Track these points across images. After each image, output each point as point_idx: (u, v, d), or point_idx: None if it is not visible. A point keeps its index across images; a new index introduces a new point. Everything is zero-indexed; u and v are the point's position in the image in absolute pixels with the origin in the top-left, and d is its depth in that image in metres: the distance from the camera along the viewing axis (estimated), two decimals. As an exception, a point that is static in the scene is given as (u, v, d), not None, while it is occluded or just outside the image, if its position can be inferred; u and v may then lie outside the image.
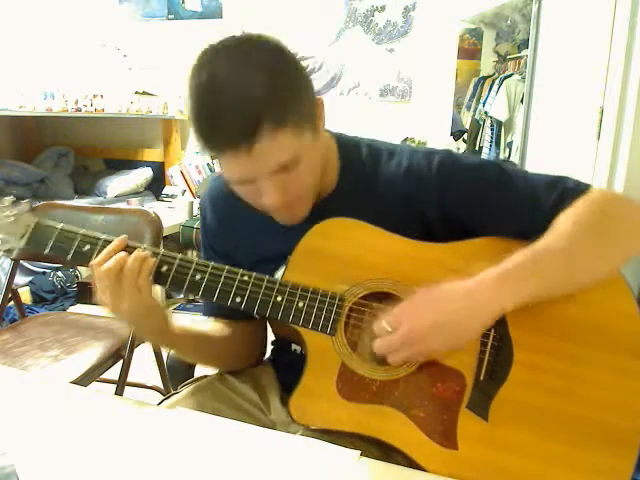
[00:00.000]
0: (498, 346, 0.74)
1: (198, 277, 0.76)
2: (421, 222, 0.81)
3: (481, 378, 0.74)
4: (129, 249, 0.75)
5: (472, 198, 0.80)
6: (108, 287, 0.73)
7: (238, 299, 0.76)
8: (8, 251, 0.78)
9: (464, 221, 0.80)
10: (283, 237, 0.82)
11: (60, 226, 0.78)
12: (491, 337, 0.75)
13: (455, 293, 0.71)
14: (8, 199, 0.79)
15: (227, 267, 0.77)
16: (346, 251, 0.78)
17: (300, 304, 0.75)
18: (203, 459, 0.64)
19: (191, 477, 0.62)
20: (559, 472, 0.71)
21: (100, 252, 0.75)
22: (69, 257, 0.77)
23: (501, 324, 0.74)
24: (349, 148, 0.87)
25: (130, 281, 0.72)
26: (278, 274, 0.85)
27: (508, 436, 0.72)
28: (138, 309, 0.74)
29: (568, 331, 0.75)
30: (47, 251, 0.78)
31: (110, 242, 0.76)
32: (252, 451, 0.67)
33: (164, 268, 0.77)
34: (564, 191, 0.77)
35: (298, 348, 0.89)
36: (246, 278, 0.76)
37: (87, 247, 0.77)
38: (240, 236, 0.91)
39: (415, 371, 0.74)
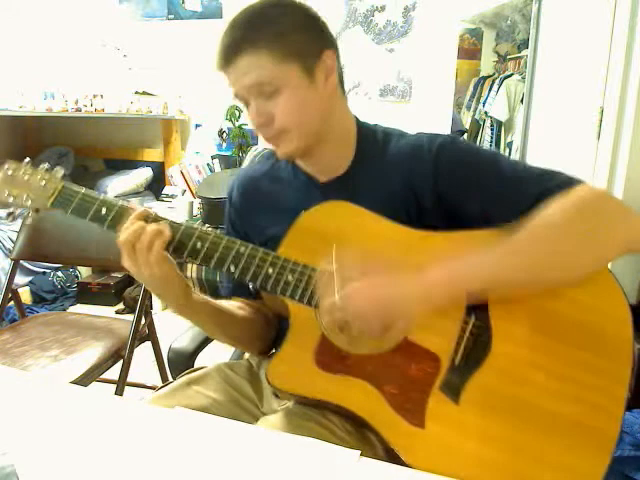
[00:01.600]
0: (477, 333, 0.76)
1: (199, 245, 0.80)
2: (415, 200, 0.84)
3: (456, 362, 0.76)
4: (150, 219, 0.80)
5: (462, 179, 0.82)
6: (127, 256, 0.78)
7: (232, 268, 0.80)
8: (36, 210, 0.85)
9: (453, 202, 0.82)
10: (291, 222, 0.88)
11: (83, 190, 0.86)
12: (471, 323, 0.77)
13: (405, 276, 0.74)
14: (43, 166, 0.87)
15: (227, 238, 0.81)
16: (339, 232, 0.81)
17: (289, 277, 0.79)
18: (203, 459, 0.64)
19: (191, 477, 0.62)
20: (522, 463, 0.71)
21: (115, 216, 0.82)
22: (87, 218, 0.84)
23: (483, 312, 0.76)
24: (367, 131, 0.92)
25: (143, 253, 0.77)
26: None
27: (476, 421, 0.73)
28: (154, 279, 0.78)
29: (550, 327, 0.75)
30: (69, 212, 0.84)
31: (126, 208, 0.82)
32: (252, 451, 0.67)
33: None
34: (552, 185, 0.77)
35: None
36: (242, 249, 0.80)
37: (104, 211, 0.83)
38: (260, 217, 0.96)
39: (392, 350, 0.77)
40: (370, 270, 0.74)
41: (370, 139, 0.91)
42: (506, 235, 0.74)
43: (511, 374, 0.74)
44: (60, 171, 0.88)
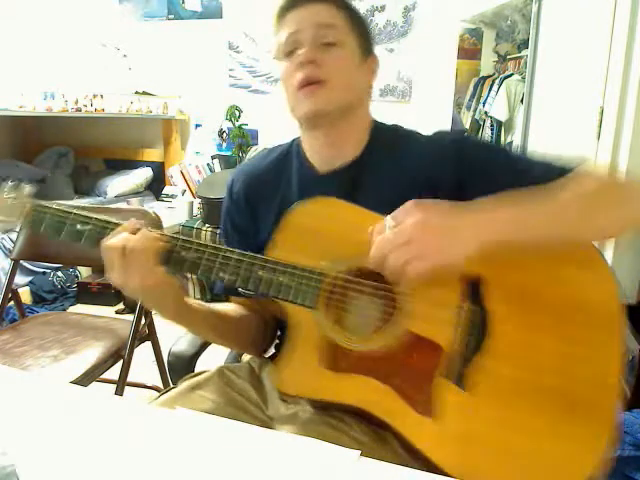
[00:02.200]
0: (474, 318, 0.77)
1: (183, 254, 0.79)
2: (433, 192, 0.82)
3: (457, 348, 0.76)
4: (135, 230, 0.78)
5: (485, 172, 0.84)
6: (114, 267, 0.75)
7: (221, 274, 0.79)
8: (7, 231, 0.84)
9: (472, 194, 0.81)
10: None
11: (54, 206, 0.81)
12: (466, 308, 0.77)
13: (453, 212, 0.74)
14: (10, 184, 0.83)
15: (211, 244, 0.80)
16: (330, 229, 0.81)
17: (282, 279, 0.78)
18: (203, 459, 0.64)
19: (191, 477, 0.62)
20: (525, 438, 0.73)
21: (92, 230, 0.79)
22: (62, 236, 0.80)
23: (479, 297, 0.77)
24: (382, 130, 0.93)
25: (135, 258, 0.74)
26: None
27: (487, 406, 0.74)
28: (146, 287, 0.76)
29: (545, 306, 0.76)
30: (42, 230, 0.81)
31: (102, 221, 0.80)
32: (252, 451, 0.67)
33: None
34: (556, 167, 0.85)
35: None
36: (229, 254, 0.79)
37: (79, 226, 0.80)
38: (262, 214, 0.95)
39: (393, 342, 0.77)
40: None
41: (384, 135, 0.92)
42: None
43: (510, 355, 0.75)
44: (26, 187, 0.84)
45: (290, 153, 0.96)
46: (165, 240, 0.79)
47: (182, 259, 0.79)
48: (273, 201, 0.94)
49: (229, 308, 0.95)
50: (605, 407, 0.74)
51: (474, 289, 0.76)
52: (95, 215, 0.80)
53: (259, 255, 0.80)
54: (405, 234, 0.70)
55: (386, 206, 0.76)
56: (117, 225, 0.79)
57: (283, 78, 0.88)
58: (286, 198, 0.92)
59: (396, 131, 0.94)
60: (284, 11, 0.87)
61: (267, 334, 0.98)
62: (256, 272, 0.79)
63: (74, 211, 0.81)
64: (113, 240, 0.75)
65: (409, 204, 0.73)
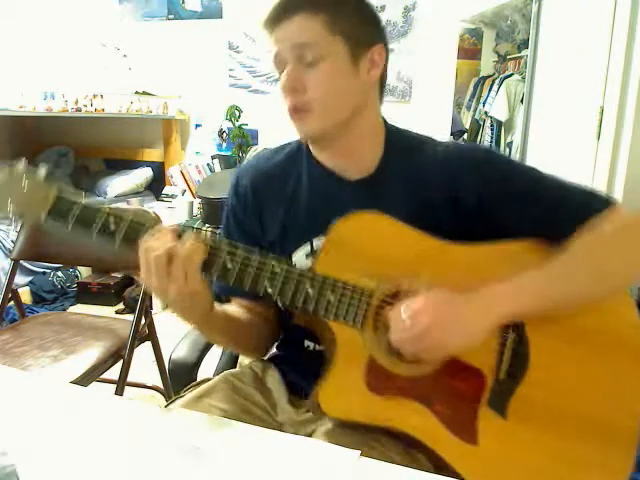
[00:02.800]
0: (517, 347, 0.78)
1: (230, 265, 0.74)
2: (454, 209, 0.83)
3: (500, 377, 0.78)
4: (176, 233, 0.74)
5: (508, 191, 0.83)
6: (155, 273, 0.71)
7: (270, 290, 0.75)
8: (26, 224, 0.71)
9: (496, 213, 0.83)
10: (311, 217, 0.87)
11: (83, 201, 0.73)
12: (510, 337, 0.78)
13: (464, 297, 0.75)
14: (22, 166, 0.72)
15: (258, 257, 0.75)
16: (374, 247, 0.79)
17: (331, 297, 0.76)
18: (203, 459, 0.64)
19: (191, 477, 0.62)
20: (563, 466, 0.76)
21: (128, 232, 0.73)
22: (93, 236, 0.73)
23: (519, 326, 0.78)
24: (396, 134, 0.90)
25: (179, 268, 0.70)
26: (295, 256, 0.88)
27: (525, 433, 0.76)
28: (183, 296, 0.73)
29: (580, 336, 0.79)
30: (69, 228, 0.73)
31: (136, 223, 0.74)
32: (251, 451, 0.67)
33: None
34: (593, 204, 0.80)
35: (311, 345, 0.90)
36: (278, 270, 0.75)
37: (113, 227, 0.73)
38: (269, 213, 0.92)
39: (439, 368, 0.76)
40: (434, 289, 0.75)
41: (400, 142, 0.89)
42: (546, 250, 0.79)
43: (549, 384, 0.78)
44: (43, 170, 0.73)
45: (300, 152, 0.93)
46: (211, 246, 0.74)
47: (226, 269, 0.74)
48: (281, 201, 0.91)
49: (235, 310, 0.92)
50: (633, 436, 0.78)
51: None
52: (130, 215, 0.74)
53: (306, 270, 0.77)
54: (419, 326, 0.72)
55: (405, 221, 0.79)
56: (155, 223, 0.74)
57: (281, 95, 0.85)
58: (297, 199, 0.90)
59: (410, 138, 0.91)
60: (267, 26, 0.82)
61: (269, 336, 0.97)
62: (305, 288, 0.76)
63: (107, 208, 0.73)
64: (157, 244, 0.71)
65: (419, 301, 0.73)
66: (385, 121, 0.91)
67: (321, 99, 0.81)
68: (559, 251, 0.77)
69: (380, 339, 0.77)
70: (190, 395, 0.89)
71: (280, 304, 0.77)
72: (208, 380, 0.94)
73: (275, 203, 0.92)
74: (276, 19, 0.80)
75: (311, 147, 0.91)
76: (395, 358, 0.76)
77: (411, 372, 0.76)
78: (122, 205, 3.36)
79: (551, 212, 0.81)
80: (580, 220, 0.77)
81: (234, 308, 0.93)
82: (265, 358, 1.01)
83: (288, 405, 0.91)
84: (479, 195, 0.82)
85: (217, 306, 0.84)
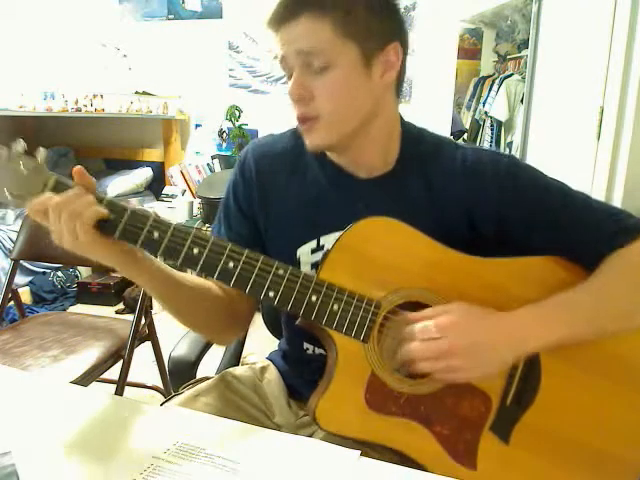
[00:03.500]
0: (527, 371, 0.75)
1: (231, 265, 0.70)
2: (471, 225, 0.80)
3: (508, 402, 0.74)
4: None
5: (530, 212, 0.79)
6: (51, 216, 0.66)
7: (271, 294, 0.71)
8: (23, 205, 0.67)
9: (514, 232, 0.79)
10: (320, 213, 0.83)
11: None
12: (522, 362, 0.75)
13: (494, 320, 0.71)
14: (19, 148, 0.69)
15: (262, 257, 0.71)
16: (386, 255, 0.75)
17: (335, 307, 0.72)
18: (203, 459, 0.64)
19: (191, 477, 0.62)
20: None
21: (130, 221, 0.68)
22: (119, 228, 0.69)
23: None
24: (412, 133, 0.86)
25: (68, 220, 0.65)
26: (301, 250, 0.84)
27: (527, 461, 0.74)
28: (79, 249, 0.67)
29: (596, 364, 0.76)
30: None
31: (138, 213, 0.69)
32: (251, 451, 0.67)
33: (196, 251, 0.70)
34: (625, 226, 0.77)
35: (310, 347, 0.88)
36: (281, 272, 0.71)
37: (107, 212, 0.68)
38: (274, 200, 0.87)
39: (443, 388, 0.73)
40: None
41: (416, 142, 0.85)
42: (568, 268, 0.76)
43: (559, 413, 0.75)
44: (43, 153, 0.70)
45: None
46: (196, 242, 0.69)
47: (229, 272, 0.70)
48: (287, 190, 0.86)
49: (206, 283, 0.83)
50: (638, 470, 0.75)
51: None
52: (131, 207, 0.70)
53: (313, 277, 0.73)
54: (445, 343, 0.68)
55: (420, 227, 0.75)
56: (136, 214, 0.68)
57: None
58: (305, 192, 0.85)
59: (428, 139, 0.86)
60: (271, 26, 0.76)
61: (237, 323, 0.90)
62: (309, 297, 0.72)
63: (106, 197, 0.69)
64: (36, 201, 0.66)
65: (449, 314, 0.70)
66: (402, 120, 0.86)
67: (330, 110, 0.76)
68: (588, 275, 0.74)
69: (384, 354, 0.74)
70: (187, 393, 0.89)
71: (286, 310, 0.73)
72: (206, 379, 0.94)
73: (280, 191, 0.87)
74: (281, 19, 0.74)
75: None
76: (398, 375, 0.73)
77: (414, 391, 0.73)
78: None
79: (577, 235, 0.77)
80: (611, 242, 0.74)
81: (204, 280, 0.84)
82: (264, 359, 1.00)
83: (286, 407, 0.90)
84: (497, 211, 0.79)
85: (173, 271, 0.77)
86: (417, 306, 0.74)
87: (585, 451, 0.75)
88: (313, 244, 0.84)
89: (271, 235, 0.88)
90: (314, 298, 0.72)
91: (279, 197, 0.87)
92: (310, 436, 0.82)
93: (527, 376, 0.75)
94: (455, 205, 0.80)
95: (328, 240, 0.82)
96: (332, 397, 0.73)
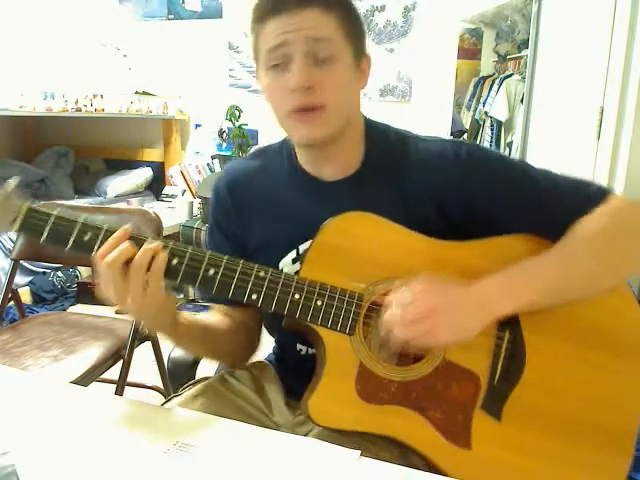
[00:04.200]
0: (512, 348, 0.76)
1: (212, 272, 0.72)
2: (440, 211, 0.81)
3: (495, 379, 0.75)
4: (135, 240, 0.70)
5: (496, 190, 0.80)
6: (112, 281, 0.68)
7: (254, 296, 0.73)
8: None
9: (483, 213, 0.80)
10: (295, 223, 0.84)
11: (56, 213, 0.71)
12: (506, 339, 0.76)
13: (463, 288, 0.73)
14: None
15: (242, 262, 0.73)
16: (364, 248, 0.76)
17: (318, 302, 0.74)
18: (203, 459, 0.64)
19: (190, 477, 0.62)
20: (559, 469, 0.75)
21: (103, 242, 0.70)
22: (68, 247, 0.71)
23: (515, 327, 0.76)
24: (376, 131, 0.87)
25: (137, 276, 0.68)
26: (283, 261, 0.86)
27: (520, 436, 0.75)
28: (144, 305, 0.70)
29: (578, 334, 0.77)
30: (43, 240, 0.70)
31: (113, 232, 0.70)
32: (251, 451, 0.67)
33: (175, 261, 0.72)
34: (587, 196, 0.78)
35: (304, 348, 0.89)
36: (262, 274, 0.73)
37: (88, 236, 0.71)
38: (252, 217, 0.90)
39: (432, 372, 0.74)
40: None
41: (381, 140, 0.86)
42: (538, 243, 0.77)
43: (546, 386, 0.76)
44: (14, 182, 0.70)
45: (280, 154, 0.91)
46: (175, 253, 0.71)
47: (210, 279, 0.72)
48: (262, 206, 0.89)
49: (215, 320, 0.89)
50: (631, 438, 0.76)
51: (513, 317, 0.75)
52: (105, 226, 0.71)
53: (294, 276, 0.74)
54: (422, 306, 0.69)
55: (396, 221, 0.77)
56: (110, 233, 0.70)
57: (270, 92, 0.80)
58: (279, 204, 0.88)
59: (390, 135, 0.87)
60: (265, 13, 0.76)
61: (248, 346, 0.96)
62: (292, 295, 0.73)
63: (81, 220, 0.71)
64: (112, 254, 0.68)
65: (419, 282, 0.71)
66: (365, 118, 0.88)
67: (335, 101, 0.77)
68: (559, 241, 0.75)
69: (371, 345, 0.75)
70: (186, 394, 0.89)
71: (270, 311, 0.75)
72: (205, 379, 0.94)
73: (256, 208, 0.90)
74: (288, 5, 0.74)
75: (297, 150, 0.88)
76: (386, 363, 0.75)
77: (403, 378, 0.74)
78: (122, 205, 3.36)
79: (543, 208, 0.79)
80: (576, 213, 0.76)
81: (212, 316, 0.90)
82: (262, 360, 1.01)
83: (285, 407, 0.90)
84: (463, 194, 0.80)
85: (190, 316, 0.83)
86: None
87: (576, 422, 0.76)
88: (293, 254, 0.86)
89: (254, 253, 0.89)
90: (297, 296, 0.73)
91: (257, 215, 0.90)
92: (308, 433, 0.82)
93: (512, 353, 0.76)
94: (423, 195, 0.81)
95: (306, 247, 0.82)
96: (323, 392, 0.74)
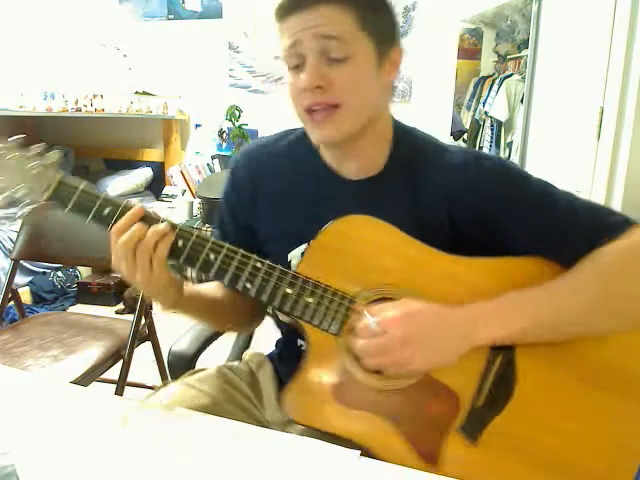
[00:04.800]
0: (501, 373, 0.73)
1: (212, 257, 0.74)
2: (452, 224, 0.79)
3: (478, 403, 0.72)
4: (148, 220, 0.73)
5: (515, 208, 0.77)
6: (123, 258, 0.72)
7: (249, 285, 0.74)
8: (29, 204, 0.75)
9: (493, 228, 0.78)
10: (311, 218, 0.82)
11: (82, 186, 0.75)
12: (497, 362, 0.73)
13: (444, 312, 0.71)
14: (35, 148, 0.75)
15: (241, 250, 0.74)
16: (363, 252, 0.76)
17: (309, 299, 0.73)
18: (203, 459, 0.64)
19: (190, 477, 0.62)
20: None
21: (119, 218, 0.73)
22: (89, 218, 0.74)
23: (508, 352, 0.73)
24: (403, 133, 0.86)
25: (144, 256, 0.71)
26: (292, 253, 0.85)
27: (495, 464, 0.71)
28: (151, 283, 0.73)
29: (576, 367, 0.73)
30: (67, 209, 0.74)
31: (130, 209, 0.74)
32: (252, 451, 0.67)
33: (180, 243, 0.74)
34: (605, 226, 0.74)
35: (304, 344, 0.88)
36: (259, 265, 0.74)
37: (107, 210, 0.74)
38: (268, 205, 0.89)
39: (414, 386, 0.73)
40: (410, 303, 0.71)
41: (407, 143, 0.84)
42: (549, 270, 0.73)
43: (533, 419, 0.72)
44: (55, 155, 0.76)
45: (302, 145, 0.88)
46: (180, 235, 0.74)
47: (210, 263, 0.74)
48: (278, 195, 0.88)
49: (215, 289, 0.89)
50: (624, 476, 0.71)
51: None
52: (124, 202, 0.74)
53: (290, 270, 0.74)
54: (386, 337, 0.68)
55: (405, 229, 0.75)
56: (128, 209, 0.73)
57: (290, 92, 0.79)
58: (296, 196, 0.86)
59: (417, 140, 0.85)
60: (284, 12, 0.75)
61: (253, 310, 0.95)
62: (284, 288, 0.74)
63: (103, 195, 0.75)
64: (126, 235, 0.71)
65: (393, 309, 0.69)
66: (394, 120, 0.87)
67: (351, 99, 0.75)
68: (563, 273, 0.72)
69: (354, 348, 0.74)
70: (181, 382, 0.89)
71: (262, 301, 0.75)
72: (203, 370, 0.95)
73: (272, 197, 0.88)
74: (298, 4, 0.73)
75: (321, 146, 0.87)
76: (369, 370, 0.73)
77: (382, 386, 0.72)
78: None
79: (558, 235, 0.75)
80: (592, 240, 0.72)
81: (214, 286, 0.90)
82: (263, 355, 1.01)
83: (276, 404, 0.91)
84: (478, 210, 0.78)
85: (195, 288, 0.84)
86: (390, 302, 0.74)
87: (565, 461, 0.71)
88: (303, 247, 0.84)
89: (265, 241, 0.89)
90: (289, 291, 0.74)
91: (273, 203, 0.88)
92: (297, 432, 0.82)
93: (501, 378, 0.72)
94: (437, 205, 0.80)
95: None
96: (299, 388, 0.75)
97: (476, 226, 0.78)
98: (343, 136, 0.78)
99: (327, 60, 0.74)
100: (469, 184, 0.78)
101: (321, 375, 0.74)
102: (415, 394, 0.73)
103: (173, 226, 0.74)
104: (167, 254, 0.72)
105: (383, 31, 0.78)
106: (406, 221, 0.77)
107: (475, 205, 0.78)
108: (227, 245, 0.74)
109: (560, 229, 0.75)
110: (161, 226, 0.72)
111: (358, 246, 0.76)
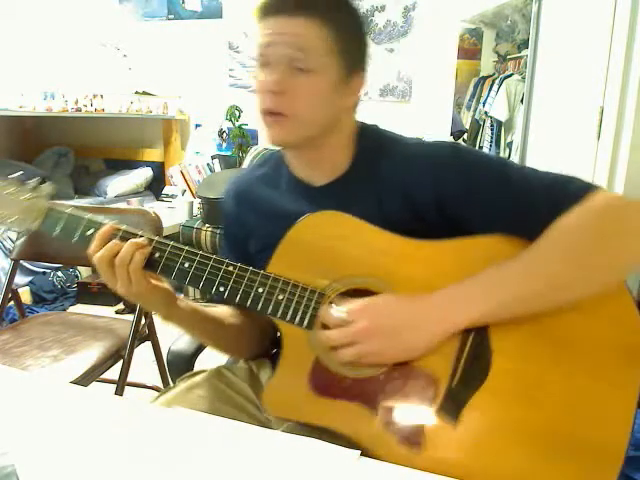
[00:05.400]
0: (474, 352, 0.73)
1: (186, 265, 0.78)
2: (414, 211, 0.81)
3: (454, 383, 0.72)
4: (125, 236, 0.78)
5: (469, 189, 0.78)
6: (102, 272, 0.77)
7: (222, 288, 0.77)
8: (20, 232, 0.83)
9: (456, 212, 0.79)
10: (283, 229, 0.83)
11: (68, 211, 0.82)
12: (470, 341, 0.73)
13: (414, 302, 0.73)
14: (32, 183, 0.83)
15: (214, 257, 0.78)
16: (332, 246, 0.78)
17: (280, 297, 0.76)
18: (203, 459, 0.64)
19: (191, 477, 0.62)
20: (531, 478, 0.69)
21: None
22: (74, 240, 0.81)
23: (480, 330, 0.73)
24: (367, 135, 0.88)
25: (122, 267, 0.75)
26: None
27: (477, 441, 0.70)
28: (132, 293, 0.77)
29: (551, 338, 0.72)
30: (55, 234, 0.81)
31: (115, 228, 0.79)
32: (252, 451, 0.67)
33: (156, 255, 0.79)
34: (565, 194, 0.74)
35: None
36: (231, 268, 0.78)
37: (91, 231, 0.80)
38: (255, 224, 0.93)
39: (388, 371, 0.74)
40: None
41: (370, 143, 0.87)
42: (515, 245, 0.73)
43: (511, 394, 0.71)
44: (47, 188, 0.84)
45: (281, 161, 0.93)
46: (155, 247, 0.79)
47: (184, 271, 0.78)
48: (264, 211, 0.92)
49: (225, 313, 0.92)
50: (614, 445, 0.68)
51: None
52: (107, 221, 0.80)
53: (260, 271, 0.77)
54: (353, 329, 0.71)
55: (374, 222, 0.78)
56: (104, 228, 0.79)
57: (256, 89, 0.82)
58: (276, 209, 0.90)
59: (380, 138, 0.88)
60: (266, 12, 0.78)
61: (264, 341, 0.96)
62: (255, 289, 0.77)
63: (87, 217, 0.81)
64: (101, 252, 0.76)
65: (360, 303, 0.72)
66: (357, 122, 0.88)
67: (301, 112, 0.79)
68: (530, 245, 0.72)
69: None
70: (181, 386, 0.90)
71: (235, 303, 0.79)
72: (203, 372, 0.95)
73: (258, 214, 0.92)
74: (281, 8, 0.77)
75: (288, 156, 0.90)
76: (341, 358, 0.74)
77: (357, 374, 0.74)
78: (122, 205, 3.36)
79: (522, 208, 0.75)
80: (552, 210, 0.72)
81: (223, 309, 0.92)
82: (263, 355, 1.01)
83: None
84: (435, 194, 0.79)
85: (194, 305, 0.86)
86: (365, 293, 0.76)
87: (541, 432, 0.69)
88: None
89: (255, 256, 0.91)
90: (260, 290, 0.77)
91: (259, 222, 0.92)
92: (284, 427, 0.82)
93: (475, 356, 0.72)
94: (398, 196, 0.81)
95: None
96: (277, 383, 0.78)
97: (436, 212, 0.80)
98: (289, 142, 0.83)
99: (291, 69, 0.77)
100: (422, 172, 0.80)
101: (297, 369, 0.76)
102: (391, 379, 0.74)
103: (150, 240, 0.79)
104: (143, 265, 0.76)
105: (354, 56, 0.82)
106: (374, 215, 0.79)
107: (430, 191, 0.79)
108: (201, 252, 0.78)
109: (517, 204, 0.76)
110: (137, 239, 0.77)
111: (326, 241, 0.78)
